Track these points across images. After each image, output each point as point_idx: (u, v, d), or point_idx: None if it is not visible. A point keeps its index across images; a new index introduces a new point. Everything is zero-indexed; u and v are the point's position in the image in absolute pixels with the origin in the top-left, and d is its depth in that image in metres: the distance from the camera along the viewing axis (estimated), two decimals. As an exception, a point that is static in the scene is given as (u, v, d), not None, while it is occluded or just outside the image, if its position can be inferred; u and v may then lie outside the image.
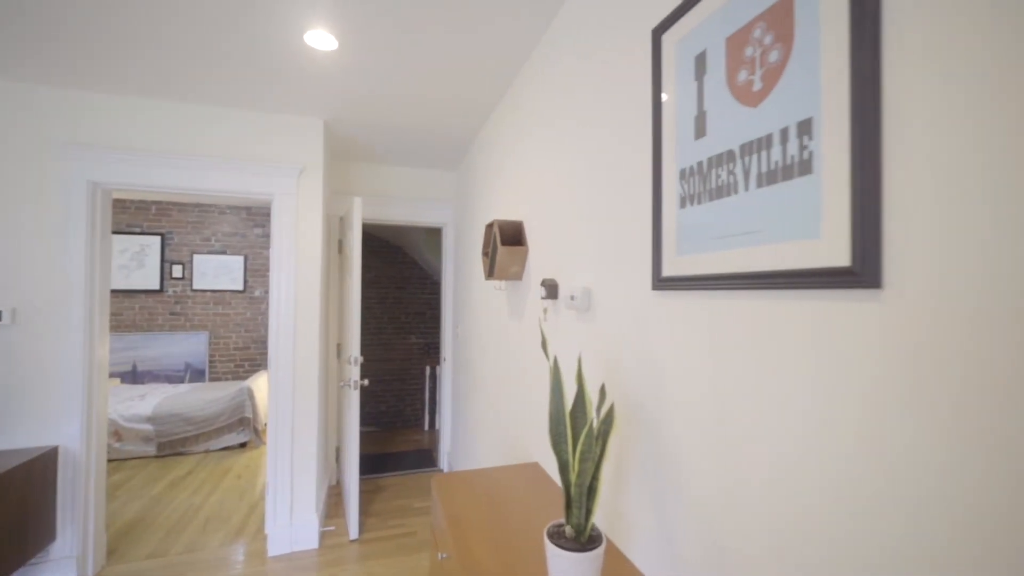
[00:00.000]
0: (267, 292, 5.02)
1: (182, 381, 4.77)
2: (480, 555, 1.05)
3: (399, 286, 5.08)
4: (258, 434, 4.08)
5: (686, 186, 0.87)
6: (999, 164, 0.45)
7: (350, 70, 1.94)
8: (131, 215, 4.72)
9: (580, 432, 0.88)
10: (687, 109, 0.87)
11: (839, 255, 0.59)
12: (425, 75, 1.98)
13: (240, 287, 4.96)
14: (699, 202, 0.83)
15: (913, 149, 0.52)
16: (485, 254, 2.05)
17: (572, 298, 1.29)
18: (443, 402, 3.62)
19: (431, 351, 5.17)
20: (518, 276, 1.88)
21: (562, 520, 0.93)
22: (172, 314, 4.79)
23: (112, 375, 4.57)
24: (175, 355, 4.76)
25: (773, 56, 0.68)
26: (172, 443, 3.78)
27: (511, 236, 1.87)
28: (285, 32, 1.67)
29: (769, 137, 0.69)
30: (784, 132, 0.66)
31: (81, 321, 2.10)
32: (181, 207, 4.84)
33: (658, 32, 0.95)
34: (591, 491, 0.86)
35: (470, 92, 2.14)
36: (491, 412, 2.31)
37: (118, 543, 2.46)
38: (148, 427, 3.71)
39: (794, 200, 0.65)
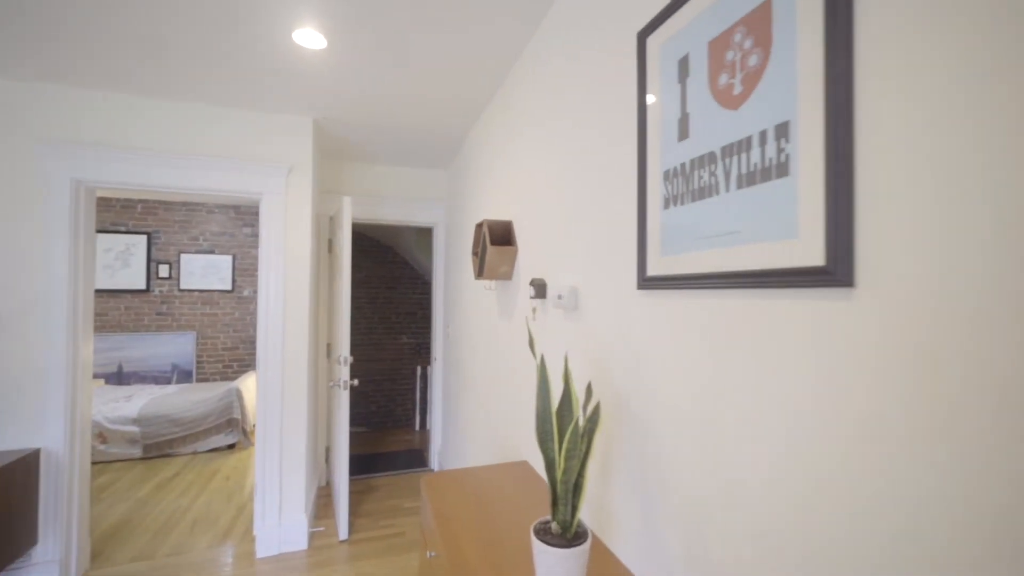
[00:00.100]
0: (256, 292, 4.97)
1: (169, 382, 4.70)
2: (468, 552, 1.06)
3: (390, 286, 5.06)
4: (247, 435, 4.04)
5: (670, 187, 0.88)
6: (967, 169, 0.47)
7: (340, 69, 1.94)
8: (116, 213, 4.65)
9: (566, 430, 0.89)
10: (671, 111, 0.89)
11: (814, 255, 0.60)
12: (416, 74, 1.98)
13: (228, 287, 4.90)
14: (682, 203, 0.85)
15: (884, 153, 0.54)
16: (475, 254, 2.06)
17: (560, 297, 1.30)
18: (434, 402, 3.62)
19: (422, 351, 5.16)
20: (508, 276, 1.89)
21: (549, 517, 0.94)
22: (159, 314, 4.73)
23: (97, 376, 4.50)
24: (162, 356, 4.70)
25: (752, 60, 0.70)
26: (159, 445, 3.73)
27: (501, 236, 1.87)
28: (273, 30, 1.66)
29: (749, 139, 0.70)
30: (763, 135, 0.68)
31: (64, 321, 2.06)
32: (168, 206, 4.78)
33: (643, 35, 0.97)
34: (577, 488, 0.87)
35: (461, 92, 2.15)
36: (481, 412, 2.32)
37: (103, 546, 2.42)
38: (134, 429, 3.66)
39: (772, 201, 0.66)
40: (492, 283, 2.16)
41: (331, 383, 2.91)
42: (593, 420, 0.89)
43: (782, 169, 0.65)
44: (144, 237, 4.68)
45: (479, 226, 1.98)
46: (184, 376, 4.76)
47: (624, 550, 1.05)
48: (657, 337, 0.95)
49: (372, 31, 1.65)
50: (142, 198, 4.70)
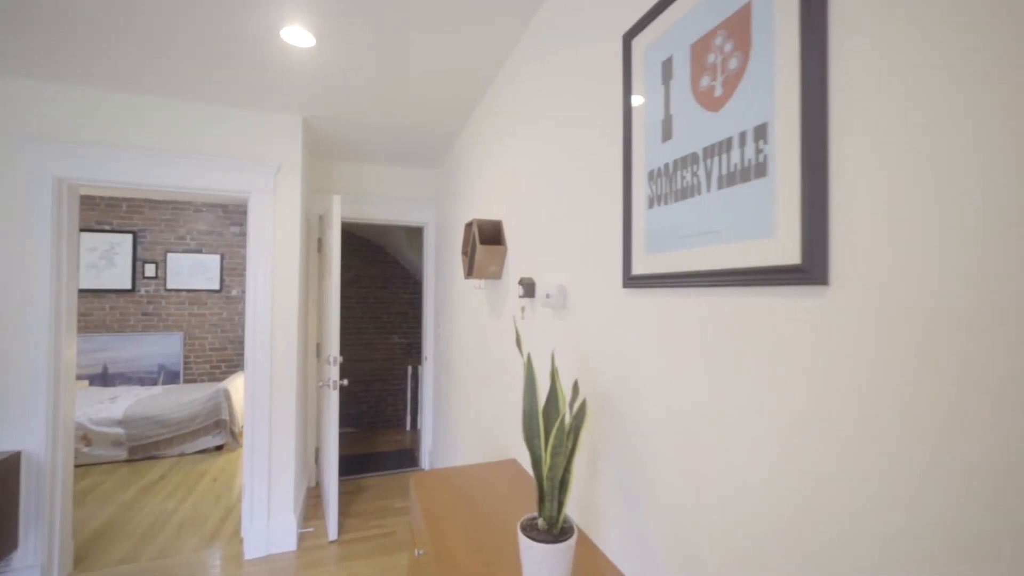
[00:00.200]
0: (244, 292, 4.92)
1: (155, 383, 4.64)
2: (456, 550, 1.06)
3: (381, 286, 5.04)
4: (235, 436, 3.99)
5: (654, 187, 0.90)
6: (939, 169, 0.48)
7: (329, 67, 1.93)
8: (100, 212, 4.57)
9: (552, 427, 0.90)
10: (655, 112, 0.90)
11: (791, 253, 0.62)
12: (405, 73, 1.98)
13: (216, 286, 4.84)
14: (666, 203, 0.86)
15: (856, 154, 0.55)
16: (465, 253, 2.06)
17: (548, 296, 1.31)
18: (425, 402, 3.61)
19: (413, 351, 5.15)
20: (497, 275, 1.90)
21: (536, 513, 0.95)
22: (145, 314, 4.66)
23: (80, 377, 4.42)
24: (148, 356, 4.63)
25: (733, 63, 0.71)
26: (144, 447, 3.68)
27: (490, 235, 1.88)
28: (261, 28, 1.64)
29: (729, 141, 0.72)
30: (742, 136, 0.69)
31: (46, 321, 2.03)
32: (154, 204, 4.71)
33: (628, 37, 0.98)
34: (563, 484, 0.88)
35: (451, 91, 2.15)
36: (471, 411, 2.32)
37: (86, 550, 2.38)
38: (119, 430, 3.60)
39: (751, 201, 0.68)
40: (482, 282, 2.17)
41: (320, 383, 2.90)
42: (579, 417, 0.90)
43: (760, 170, 0.66)
44: (130, 236, 4.61)
45: (469, 225, 1.98)
46: (171, 377, 4.69)
47: (611, 546, 1.06)
48: (642, 335, 0.96)
49: (362, 29, 1.65)
50: (127, 196, 4.63)
